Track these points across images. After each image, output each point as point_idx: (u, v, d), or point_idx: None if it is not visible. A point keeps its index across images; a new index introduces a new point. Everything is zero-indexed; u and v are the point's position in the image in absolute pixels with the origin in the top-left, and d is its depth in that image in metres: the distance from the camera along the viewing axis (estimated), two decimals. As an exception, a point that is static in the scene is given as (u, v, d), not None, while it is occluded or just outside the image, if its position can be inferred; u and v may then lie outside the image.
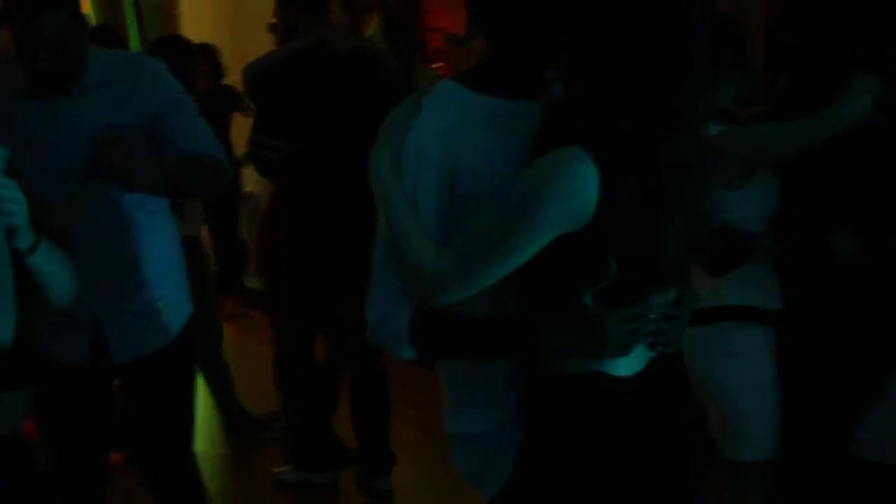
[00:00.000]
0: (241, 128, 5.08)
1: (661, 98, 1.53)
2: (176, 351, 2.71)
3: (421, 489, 3.91)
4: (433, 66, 5.46)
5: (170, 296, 2.69)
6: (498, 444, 1.75)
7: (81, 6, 2.61)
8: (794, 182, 2.58)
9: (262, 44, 4.15)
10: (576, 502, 1.65)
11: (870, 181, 2.55)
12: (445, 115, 1.66)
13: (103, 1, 6.88)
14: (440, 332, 1.66)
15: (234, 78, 5.00)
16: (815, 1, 2.64)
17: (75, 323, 2.53)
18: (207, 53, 5.78)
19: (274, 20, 3.87)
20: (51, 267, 2.01)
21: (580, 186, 1.50)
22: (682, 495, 1.71)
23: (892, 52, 2.48)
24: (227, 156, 2.68)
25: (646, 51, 1.51)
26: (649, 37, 1.51)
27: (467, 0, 1.75)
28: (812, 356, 2.61)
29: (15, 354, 1.96)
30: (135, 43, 6.33)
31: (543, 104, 1.69)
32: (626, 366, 1.64)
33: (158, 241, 2.66)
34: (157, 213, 2.65)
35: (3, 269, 1.93)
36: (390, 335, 1.69)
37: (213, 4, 7.05)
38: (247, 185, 6.26)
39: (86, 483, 2.76)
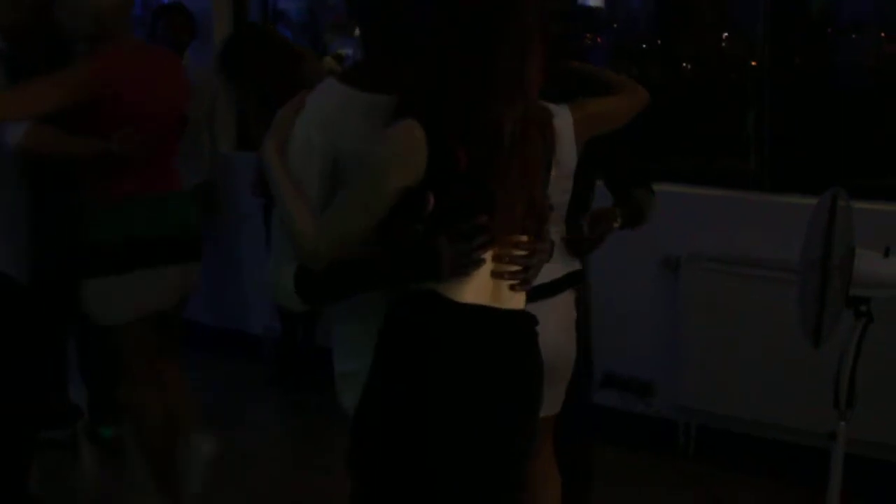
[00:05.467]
0: None
1: (487, 79, 1.81)
2: None
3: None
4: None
5: None
6: None
7: None
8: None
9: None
10: (397, 419, 1.86)
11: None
12: (325, 107, 1.95)
13: None
14: (315, 280, 1.92)
15: None
16: None
17: None
18: None
19: None
20: None
21: (413, 151, 1.78)
22: (487, 435, 1.88)
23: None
24: None
25: (470, 43, 1.80)
26: (477, 32, 1.80)
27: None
28: None
29: None
30: None
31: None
32: (467, 294, 1.86)
33: None
34: None
35: None
36: (284, 293, 1.96)
37: None
38: None
39: None
